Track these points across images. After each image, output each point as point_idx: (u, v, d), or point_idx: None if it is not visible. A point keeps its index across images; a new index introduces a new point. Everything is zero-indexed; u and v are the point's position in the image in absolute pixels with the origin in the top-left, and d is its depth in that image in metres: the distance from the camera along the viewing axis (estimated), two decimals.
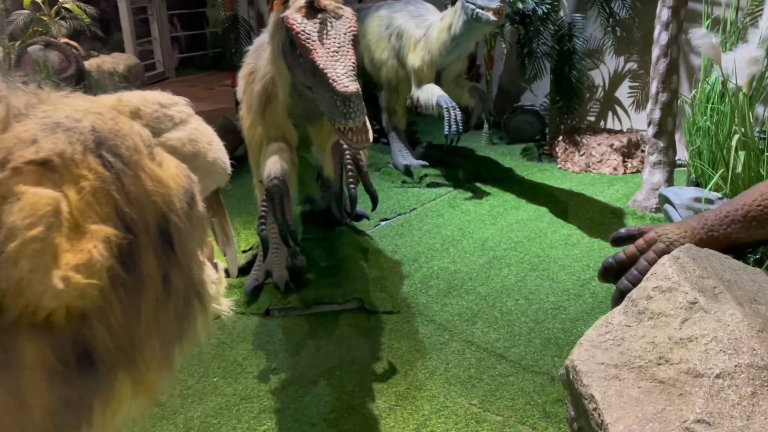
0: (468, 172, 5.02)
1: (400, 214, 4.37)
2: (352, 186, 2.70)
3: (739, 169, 3.24)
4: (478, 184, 4.87)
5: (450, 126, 4.31)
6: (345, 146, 2.79)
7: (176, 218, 1.02)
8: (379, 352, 2.93)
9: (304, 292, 3.32)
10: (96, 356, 0.93)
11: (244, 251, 3.76)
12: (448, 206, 4.49)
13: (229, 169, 1.32)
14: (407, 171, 4.96)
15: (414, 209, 4.46)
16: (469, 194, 4.69)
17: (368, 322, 3.15)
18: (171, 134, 1.14)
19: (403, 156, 5.08)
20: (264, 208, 2.80)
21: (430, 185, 4.88)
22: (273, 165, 2.83)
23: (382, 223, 4.26)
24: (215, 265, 1.32)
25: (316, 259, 3.67)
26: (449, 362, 2.84)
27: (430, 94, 4.58)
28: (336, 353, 2.93)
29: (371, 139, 2.26)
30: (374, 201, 2.82)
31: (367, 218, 3.86)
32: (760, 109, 3.69)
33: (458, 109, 4.39)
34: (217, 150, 1.25)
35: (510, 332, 3.03)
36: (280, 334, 3.09)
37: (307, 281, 3.43)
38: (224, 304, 1.30)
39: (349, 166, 2.74)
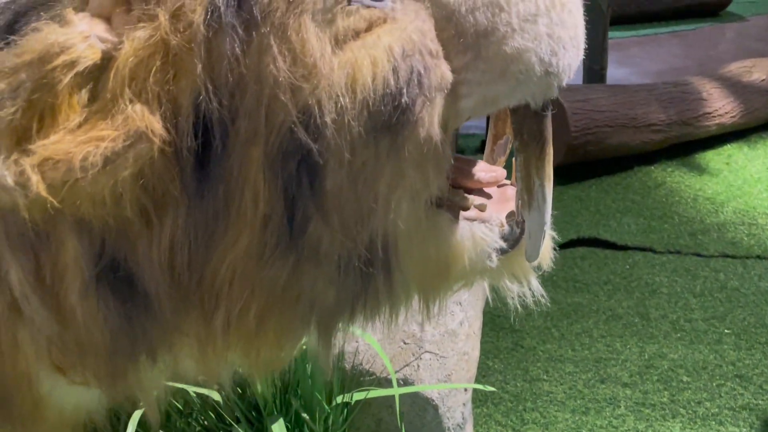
0: None
1: None
2: None
3: None
4: None
5: None
6: None
7: (318, 142, 0.58)
8: None
9: None
10: (139, 284, 0.67)
11: None
12: None
13: (561, 78, 0.66)
14: None
15: None
16: None
17: None
18: None
19: None
20: None
21: None
22: None
23: None
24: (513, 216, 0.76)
25: None
26: None
27: None
28: None
29: None
30: None
31: None
32: None
33: None
34: (537, 35, 0.61)
35: None
36: None
37: None
38: (525, 282, 0.76)
39: None
